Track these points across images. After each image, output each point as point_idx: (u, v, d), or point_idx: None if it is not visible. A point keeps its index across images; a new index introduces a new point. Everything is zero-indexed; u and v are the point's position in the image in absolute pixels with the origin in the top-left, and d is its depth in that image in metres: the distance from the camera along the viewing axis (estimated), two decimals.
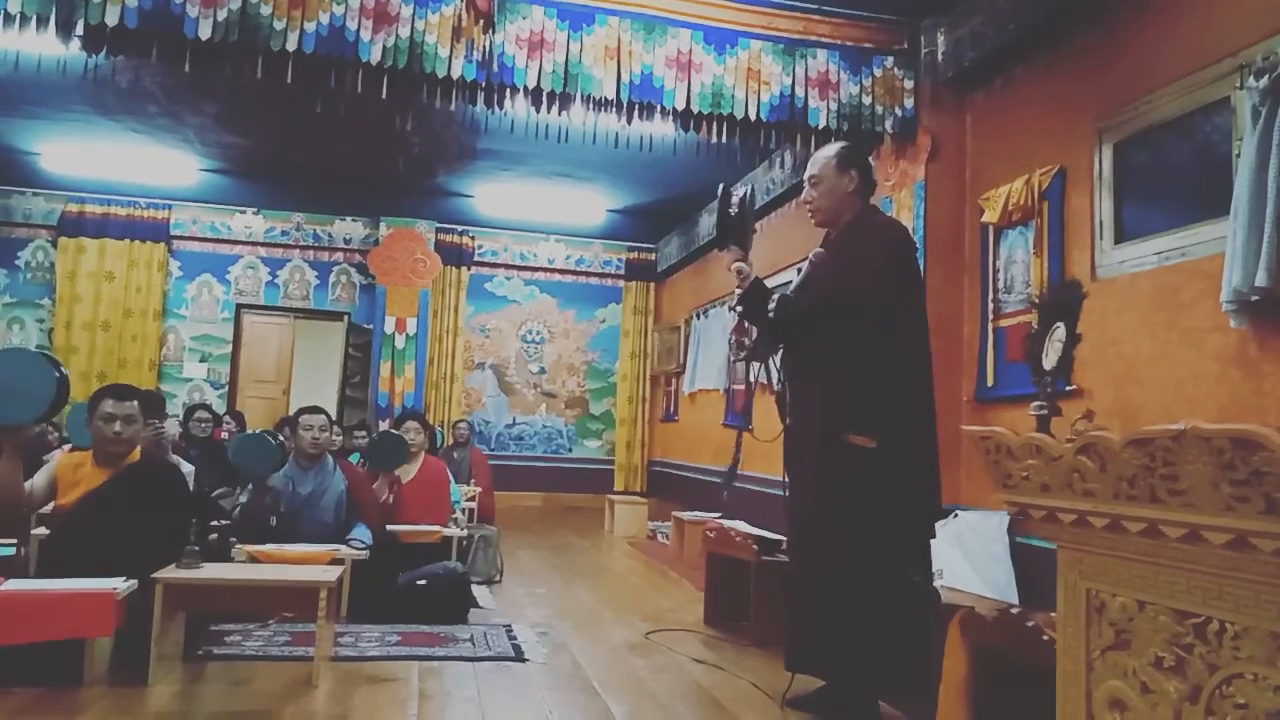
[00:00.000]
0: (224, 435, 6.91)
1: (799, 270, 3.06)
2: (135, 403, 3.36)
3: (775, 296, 2.92)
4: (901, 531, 2.82)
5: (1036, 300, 3.19)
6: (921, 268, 4.65)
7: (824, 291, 2.86)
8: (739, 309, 3.01)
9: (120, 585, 2.85)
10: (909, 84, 4.88)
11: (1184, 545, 1.37)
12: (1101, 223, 3.83)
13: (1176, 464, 1.35)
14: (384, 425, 8.32)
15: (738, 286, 3.02)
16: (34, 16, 3.87)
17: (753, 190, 3.22)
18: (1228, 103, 3.26)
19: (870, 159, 3.30)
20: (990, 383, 4.44)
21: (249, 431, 4.35)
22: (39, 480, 3.35)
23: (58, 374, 3.08)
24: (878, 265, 2.88)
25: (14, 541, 3.25)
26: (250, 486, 4.13)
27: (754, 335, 3.02)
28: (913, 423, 2.87)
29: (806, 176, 3.11)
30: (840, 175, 3.03)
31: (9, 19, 3.86)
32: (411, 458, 5.06)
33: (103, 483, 3.27)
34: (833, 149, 3.10)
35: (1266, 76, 2.93)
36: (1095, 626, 1.54)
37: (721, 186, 3.06)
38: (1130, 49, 3.75)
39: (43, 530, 3.54)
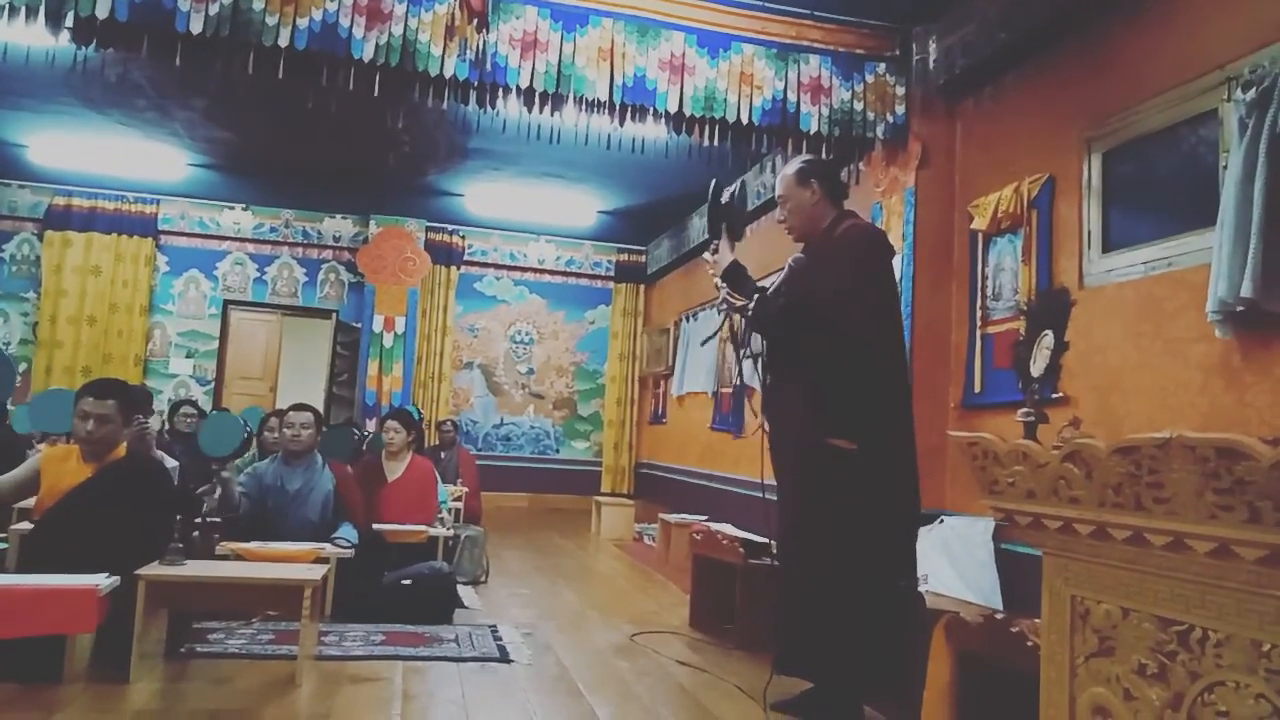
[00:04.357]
0: None
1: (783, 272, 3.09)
2: (113, 402, 3.29)
3: (754, 295, 2.97)
4: (883, 534, 2.84)
5: (1024, 308, 3.22)
6: (910, 274, 4.70)
7: (798, 294, 2.90)
8: (725, 290, 3.05)
9: (103, 582, 2.82)
10: (900, 90, 4.90)
11: (1168, 553, 1.38)
12: (1089, 232, 3.86)
13: (1161, 472, 1.36)
14: (370, 424, 8.31)
15: (717, 275, 3.07)
16: (23, 8, 3.83)
17: (743, 186, 3.25)
18: (1215, 115, 3.28)
19: (839, 167, 3.36)
20: (978, 389, 4.45)
21: (217, 411, 4.42)
22: (21, 474, 3.33)
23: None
24: (852, 268, 2.90)
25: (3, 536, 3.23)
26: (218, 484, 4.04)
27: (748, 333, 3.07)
28: (891, 426, 2.89)
29: (777, 196, 3.16)
30: (802, 189, 3.07)
31: None
32: (396, 456, 5.05)
33: (87, 479, 3.25)
34: (792, 167, 3.13)
35: (1253, 89, 2.96)
36: (1079, 633, 1.55)
37: (714, 182, 3.12)
38: (1119, 60, 3.78)
39: (25, 525, 3.51)
